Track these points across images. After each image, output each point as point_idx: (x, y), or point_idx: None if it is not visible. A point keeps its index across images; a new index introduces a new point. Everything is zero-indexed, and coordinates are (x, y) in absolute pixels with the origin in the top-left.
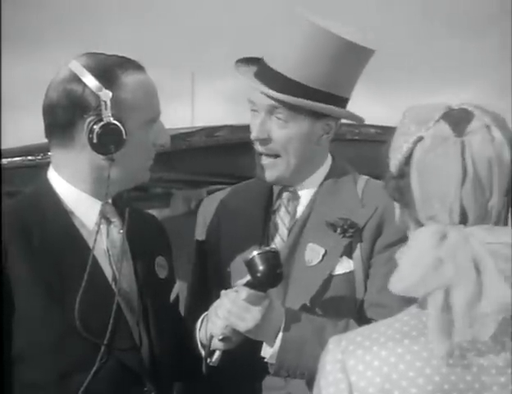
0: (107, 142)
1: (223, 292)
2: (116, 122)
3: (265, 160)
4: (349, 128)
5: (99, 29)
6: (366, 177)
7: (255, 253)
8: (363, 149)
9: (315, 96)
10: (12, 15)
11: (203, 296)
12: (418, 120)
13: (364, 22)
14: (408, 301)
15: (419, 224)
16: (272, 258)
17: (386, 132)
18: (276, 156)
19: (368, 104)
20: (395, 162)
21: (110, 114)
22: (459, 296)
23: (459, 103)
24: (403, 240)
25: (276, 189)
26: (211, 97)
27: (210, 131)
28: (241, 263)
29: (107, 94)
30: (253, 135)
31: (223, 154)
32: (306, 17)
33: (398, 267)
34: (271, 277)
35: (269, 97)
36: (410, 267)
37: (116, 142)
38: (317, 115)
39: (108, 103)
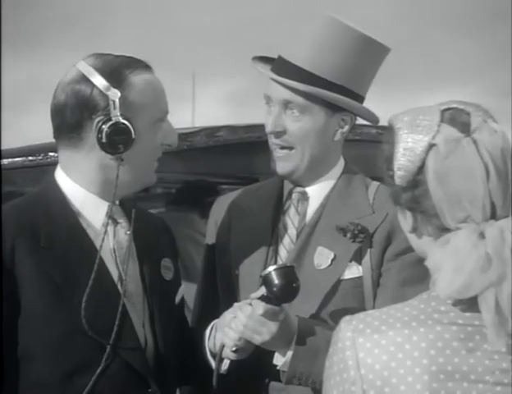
0: (116, 141)
1: (236, 305)
2: (124, 122)
3: (279, 153)
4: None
5: (100, 30)
6: (377, 183)
7: (271, 269)
8: (364, 149)
9: (330, 88)
10: (13, 15)
11: (213, 301)
12: (418, 127)
13: (363, 22)
14: None
15: (441, 229)
16: (290, 274)
17: None
18: (291, 148)
19: (368, 104)
20: (403, 174)
21: (118, 113)
22: (506, 290)
23: (444, 102)
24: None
25: (286, 189)
26: (211, 97)
27: (210, 131)
28: (249, 266)
29: (115, 94)
30: (269, 128)
31: (223, 154)
32: (324, 12)
33: (440, 273)
34: (288, 292)
35: (285, 87)
36: (455, 270)
37: (125, 141)
38: (332, 108)
39: (117, 102)
